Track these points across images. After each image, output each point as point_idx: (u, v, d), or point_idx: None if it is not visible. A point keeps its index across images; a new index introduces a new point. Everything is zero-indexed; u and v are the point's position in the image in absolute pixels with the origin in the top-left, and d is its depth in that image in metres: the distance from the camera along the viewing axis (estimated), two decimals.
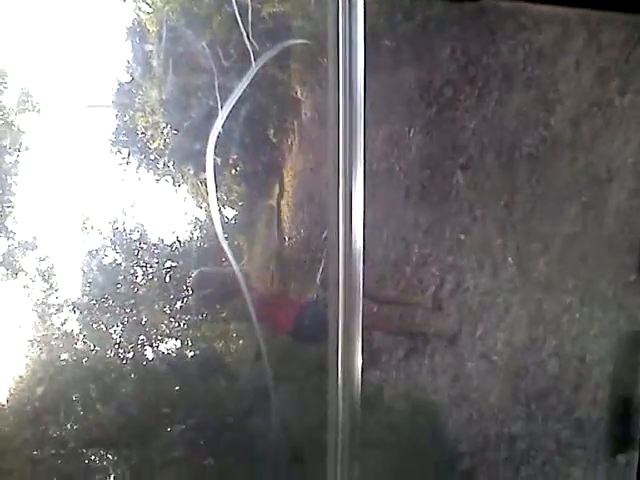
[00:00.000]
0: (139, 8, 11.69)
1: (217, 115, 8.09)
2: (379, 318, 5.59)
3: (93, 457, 7.46)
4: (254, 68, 5.46)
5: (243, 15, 6.23)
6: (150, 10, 11.56)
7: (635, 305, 3.65)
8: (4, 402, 8.59)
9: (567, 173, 4.54)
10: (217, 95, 6.90)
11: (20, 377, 9.29)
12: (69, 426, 7.37)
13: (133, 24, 12.01)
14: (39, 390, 7.53)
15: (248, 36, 5.95)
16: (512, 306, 4.59)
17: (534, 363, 4.18)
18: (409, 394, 5.56)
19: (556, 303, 4.17)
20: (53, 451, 7.11)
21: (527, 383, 4.20)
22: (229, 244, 12.15)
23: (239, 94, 3.64)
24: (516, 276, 4.66)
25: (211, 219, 11.30)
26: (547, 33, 5.07)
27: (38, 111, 13.62)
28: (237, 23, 6.20)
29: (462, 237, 5.43)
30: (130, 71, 12.56)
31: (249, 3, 6.28)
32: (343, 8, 1.24)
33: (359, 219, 1.24)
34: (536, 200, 4.79)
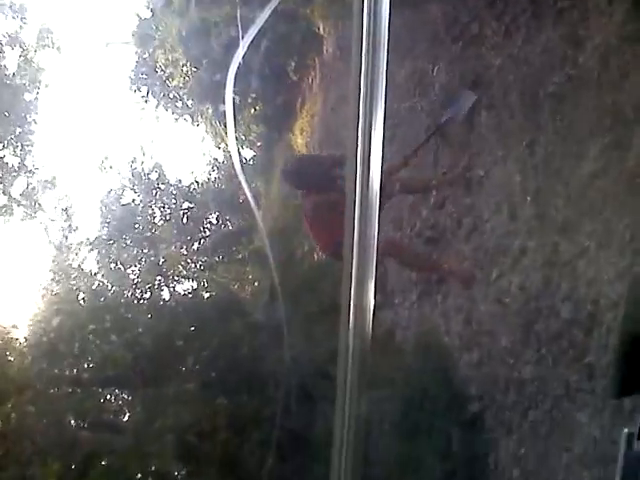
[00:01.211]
0: None
1: (237, 48, 7.93)
2: (397, 247, 5.48)
3: (108, 395, 7.57)
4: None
5: None
6: None
7: None
8: (22, 338, 8.71)
9: (592, 112, 4.34)
10: (239, 26, 6.69)
11: (39, 313, 9.39)
12: (85, 364, 7.46)
13: None
14: (55, 325, 7.60)
15: None
16: (528, 249, 4.46)
17: (547, 307, 4.07)
18: (421, 336, 5.50)
19: (572, 246, 4.03)
20: (69, 389, 7.22)
21: (539, 327, 4.10)
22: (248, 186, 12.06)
23: (260, 24, 3.48)
24: (533, 218, 4.51)
25: (229, 160, 11.18)
26: None
27: (58, 48, 13.49)
28: None
29: (482, 177, 5.27)
30: (150, 6, 12.35)
31: None
32: None
33: (377, 158, 1.16)
34: (559, 140, 4.60)
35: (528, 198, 4.66)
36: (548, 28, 4.95)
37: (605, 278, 3.76)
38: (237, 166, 7.21)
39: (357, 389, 1.29)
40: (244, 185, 5.07)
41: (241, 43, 6.67)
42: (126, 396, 7.34)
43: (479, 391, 4.66)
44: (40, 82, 13.46)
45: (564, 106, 4.62)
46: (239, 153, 11.06)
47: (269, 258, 5.36)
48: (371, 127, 1.17)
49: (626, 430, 1.35)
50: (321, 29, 9.57)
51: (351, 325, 1.24)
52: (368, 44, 1.14)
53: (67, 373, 7.14)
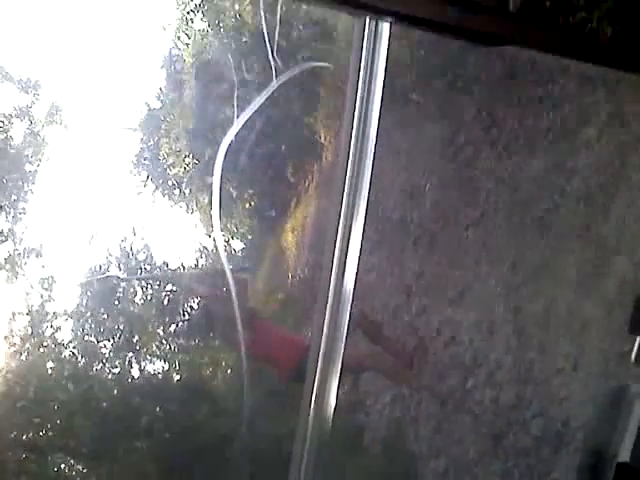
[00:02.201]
0: (178, 38, 11.98)
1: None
2: (373, 358, 5.51)
3: (62, 464, 7.35)
4: (274, 83, 5.55)
5: (270, 33, 6.35)
6: (189, 42, 11.88)
7: (626, 375, 3.60)
8: None
9: (576, 240, 4.55)
10: (234, 105, 6.98)
11: (4, 375, 9.20)
12: (43, 431, 7.29)
13: (170, 53, 12.32)
14: (19, 389, 7.47)
15: (273, 53, 6.05)
16: (504, 364, 4.54)
17: (518, 422, 4.11)
18: (389, 440, 5.46)
19: (548, 365, 4.12)
20: (24, 455, 7.02)
21: (508, 441, 4.13)
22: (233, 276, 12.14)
23: (256, 107, 3.72)
24: (512, 335, 4.62)
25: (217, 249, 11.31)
26: (573, 103, 5.14)
27: (65, 126, 13.82)
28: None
29: (464, 292, 5.42)
30: (161, 97, 12.82)
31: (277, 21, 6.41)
32: (367, 45, 1.28)
33: (353, 265, 1.26)
34: (542, 264, 4.79)
35: (508, 315, 4.79)
36: (539, 157, 5.24)
37: (577, 399, 3.84)
38: (221, 252, 7.34)
39: (312, 467, 1.33)
40: (227, 271, 5.17)
41: (235, 121, 6.94)
42: (81, 467, 7.11)
43: None
44: (43, 155, 13.71)
45: (549, 232, 4.84)
46: (229, 244, 11.22)
47: (241, 347, 5.39)
48: (350, 231, 1.27)
49: None
50: (322, 137, 9.98)
51: (310, 421, 1.30)
52: (355, 154, 1.26)
53: (24, 438, 6.95)
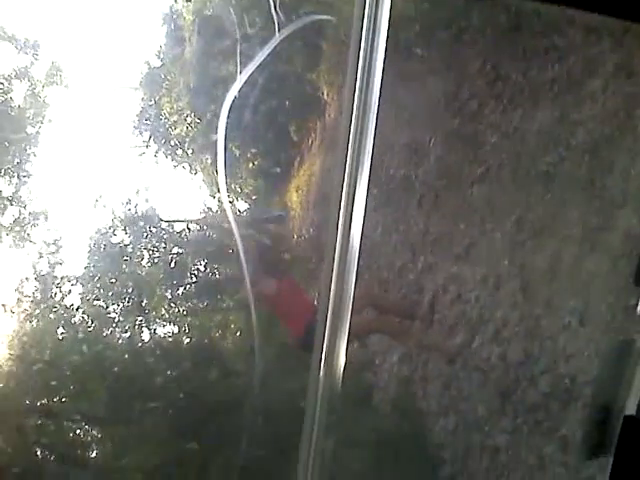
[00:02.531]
0: None
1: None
2: (381, 324, 5.53)
3: (78, 430, 7.47)
4: (277, 37, 5.45)
5: None
6: None
7: (632, 329, 3.61)
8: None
9: (581, 194, 4.51)
10: (237, 61, 6.88)
11: (17, 342, 9.31)
12: (57, 397, 7.39)
13: (170, 10, 12.15)
14: (32, 355, 7.55)
15: (275, 6, 5.94)
16: (510, 321, 4.55)
17: (526, 378, 4.14)
18: (398, 398, 5.52)
19: (554, 321, 4.12)
20: (40, 421, 7.13)
21: (516, 397, 4.16)
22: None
23: (259, 62, 3.64)
24: (518, 292, 4.62)
25: (223, 211, 11.31)
26: (578, 55, 5.05)
27: (66, 86, 13.70)
28: None
29: (469, 249, 5.41)
30: (161, 56, 12.67)
31: None
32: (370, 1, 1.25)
33: (358, 224, 1.24)
34: (547, 219, 4.76)
35: (513, 271, 4.79)
36: (544, 110, 5.17)
37: (585, 354, 3.85)
38: (229, 214, 7.33)
39: (324, 426, 1.34)
40: (235, 234, 5.15)
41: (238, 77, 6.84)
42: (96, 432, 7.23)
43: (452, 456, 4.68)
44: (44, 117, 13.62)
45: (554, 186, 4.79)
46: (233, 204, 11.21)
47: (251, 305, 5.40)
48: (355, 190, 1.25)
49: None
50: (325, 94, 9.86)
51: (322, 364, 1.30)
52: (359, 110, 1.23)
53: (38, 404, 7.05)
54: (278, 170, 11.25)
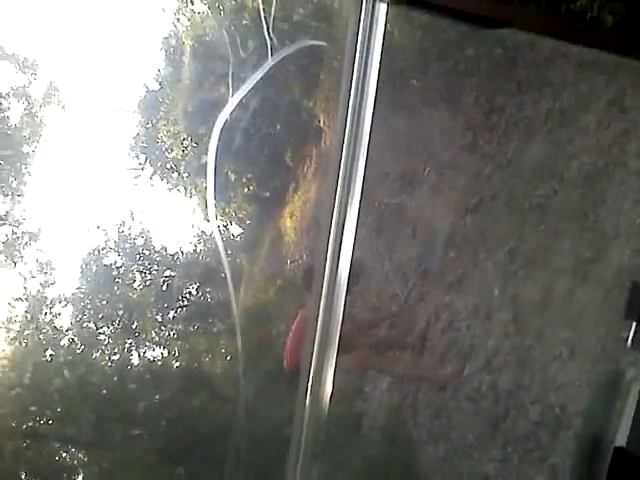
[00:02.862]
0: (177, 20, 11.91)
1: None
2: (371, 358, 5.48)
3: (64, 453, 7.38)
4: (269, 62, 5.50)
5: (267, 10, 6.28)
6: (188, 24, 11.80)
7: (623, 361, 3.62)
8: None
9: (574, 226, 4.55)
10: (230, 84, 6.93)
11: (5, 363, 9.23)
12: (44, 420, 7.30)
13: (169, 35, 12.25)
14: (20, 377, 7.48)
15: (269, 30, 5.99)
16: (501, 350, 4.56)
17: (516, 407, 4.13)
18: (388, 426, 5.49)
19: (546, 351, 4.14)
20: (26, 442, 7.05)
21: (507, 426, 4.15)
22: (231, 261, 12.23)
23: (251, 85, 3.69)
24: (509, 322, 4.63)
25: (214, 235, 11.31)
26: (572, 90, 5.12)
27: (63, 107, 13.75)
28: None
29: (462, 278, 5.43)
30: (159, 79, 12.76)
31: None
32: (365, 19, 1.27)
33: (348, 251, 1.26)
34: (539, 250, 4.79)
35: (505, 302, 4.81)
36: (537, 143, 5.23)
37: (575, 384, 3.86)
38: (217, 236, 7.33)
39: (310, 454, 1.34)
40: (222, 256, 5.15)
41: (230, 100, 6.87)
42: (82, 456, 7.15)
43: None
44: (40, 136, 13.65)
45: (547, 217, 4.83)
46: (227, 229, 11.22)
47: (237, 334, 5.39)
48: (345, 217, 1.27)
49: None
50: (321, 121, 9.93)
51: (309, 391, 1.31)
52: (350, 137, 1.25)
53: (25, 427, 6.97)
54: (268, 194, 11.25)
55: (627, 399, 1.34)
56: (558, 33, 1.40)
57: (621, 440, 1.26)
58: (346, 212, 1.24)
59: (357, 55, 1.26)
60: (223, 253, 5.19)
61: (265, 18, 6.19)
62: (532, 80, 5.58)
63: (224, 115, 4.77)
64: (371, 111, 1.26)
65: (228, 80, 8.21)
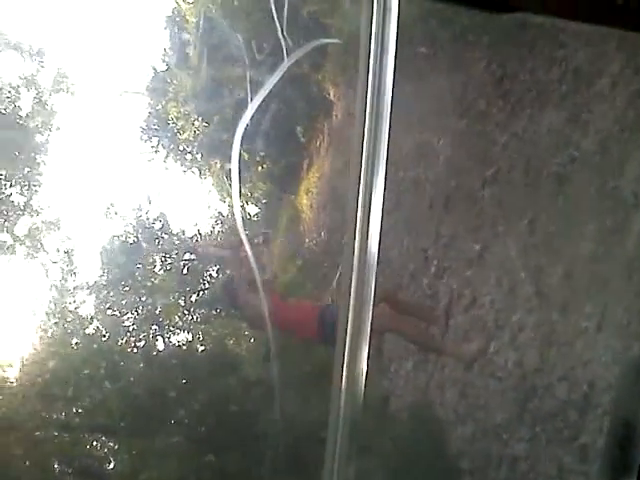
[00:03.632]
0: None
1: (247, 108, 8.11)
2: (397, 322, 5.42)
3: (95, 442, 7.49)
4: (286, 63, 5.42)
5: (279, 10, 6.20)
6: (191, 1, 11.68)
7: None
8: (14, 378, 8.66)
9: (593, 195, 4.45)
10: (248, 88, 6.87)
11: (33, 353, 9.36)
12: (74, 409, 7.41)
13: (173, 13, 12.12)
14: (49, 367, 7.58)
15: (282, 31, 5.91)
16: (526, 326, 4.50)
17: (543, 385, 4.09)
18: (415, 406, 5.49)
19: (571, 326, 4.07)
20: (56, 433, 7.15)
21: (534, 405, 4.12)
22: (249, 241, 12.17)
23: (270, 88, 3.63)
24: (533, 296, 4.57)
25: (233, 214, 11.30)
26: (585, 52, 4.98)
27: (72, 93, 13.74)
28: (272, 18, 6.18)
29: (482, 252, 5.36)
30: (166, 60, 12.67)
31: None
32: (377, 10, 1.23)
33: (376, 226, 1.22)
34: (560, 221, 4.70)
35: (528, 275, 4.73)
36: (552, 110, 5.10)
37: (602, 360, 3.80)
38: (239, 223, 7.32)
39: (346, 455, 1.32)
40: (245, 242, 5.14)
41: (249, 105, 6.81)
42: (113, 444, 7.25)
43: (471, 466, 4.64)
44: (52, 125, 13.67)
45: (566, 187, 4.73)
46: (244, 209, 11.21)
47: (265, 316, 5.36)
48: (371, 193, 1.23)
49: None
50: (331, 95, 9.82)
51: (343, 392, 1.29)
52: (372, 112, 1.21)
53: (55, 417, 7.08)
54: (282, 172, 11.20)
55: None
56: (573, 15, 1.32)
57: None
58: (372, 189, 1.22)
59: (373, 32, 1.23)
60: (244, 235, 5.15)
61: (278, 18, 6.09)
62: (543, 43, 5.43)
63: (245, 120, 4.72)
64: (391, 84, 1.22)
65: (233, 59, 8.13)
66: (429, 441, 5.03)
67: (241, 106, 9.36)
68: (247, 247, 5.06)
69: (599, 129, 4.62)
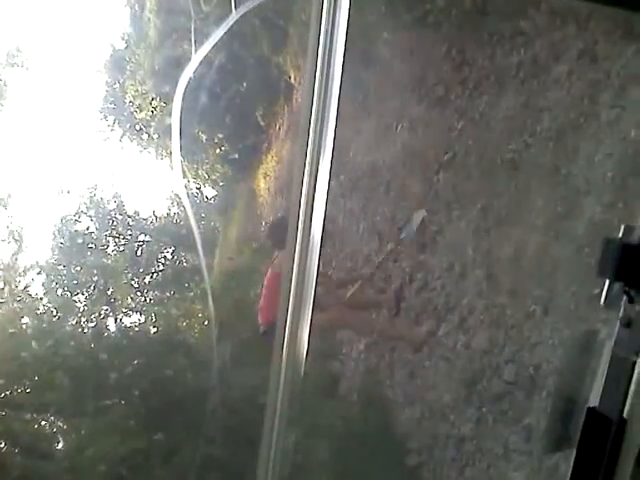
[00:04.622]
0: None
1: (206, 87, 7.99)
2: (348, 319, 5.42)
3: (43, 421, 7.35)
4: (234, 15, 5.32)
5: None
6: None
7: (595, 319, 3.60)
8: None
9: (546, 181, 4.49)
10: (192, 39, 6.72)
11: None
12: (22, 389, 7.25)
13: None
14: None
15: None
16: (476, 309, 4.53)
17: (491, 367, 4.13)
18: (365, 387, 5.50)
19: (519, 309, 4.11)
20: (4, 412, 7.00)
21: (481, 386, 4.15)
22: (206, 224, 12.12)
23: (214, 41, 3.56)
24: (483, 279, 4.60)
25: (191, 197, 11.18)
26: (544, 40, 5.01)
27: (27, 68, 13.41)
28: None
29: (435, 236, 5.38)
30: (125, 38, 12.45)
31: None
32: None
33: (320, 210, 1.19)
34: (512, 206, 4.73)
35: (479, 259, 4.77)
36: (510, 96, 5.13)
37: (549, 343, 3.84)
38: (184, 198, 7.22)
39: (286, 416, 1.31)
40: (191, 220, 5.06)
41: (193, 57, 6.67)
42: (61, 424, 7.12)
43: (418, 445, 4.67)
44: (5, 99, 13.32)
45: (520, 173, 4.77)
46: (200, 191, 11.09)
47: (208, 296, 5.31)
48: (316, 177, 1.21)
49: None
50: (292, 78, 9.73)
51: (284, 354, 1.27)
52: (320, 94, 1.18)
53: (3, 395, 6.92)
54: (236, 156, 11.10)
55: (600, 359, 1.29)
56: None
57: (594, 400, 1.21)
58: (318, 168, 1.19)
59: (324, 6, 1.20)
60: (192, 215, 5.08)
61: None
62: (503, 30, 5.45)
63: (188, 73, 4.61)
64: (340, 65, 1.19)
65: (188, 35, 7.97)
66: (378, 421, 5.04)
67: (199, 86, 9.21)
68: (193, 224, 4.98)
69: (554, 116, 4.66)
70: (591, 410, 1.23)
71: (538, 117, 4.76)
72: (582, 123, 4.43)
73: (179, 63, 9.61)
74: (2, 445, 6.82)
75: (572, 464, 1.24)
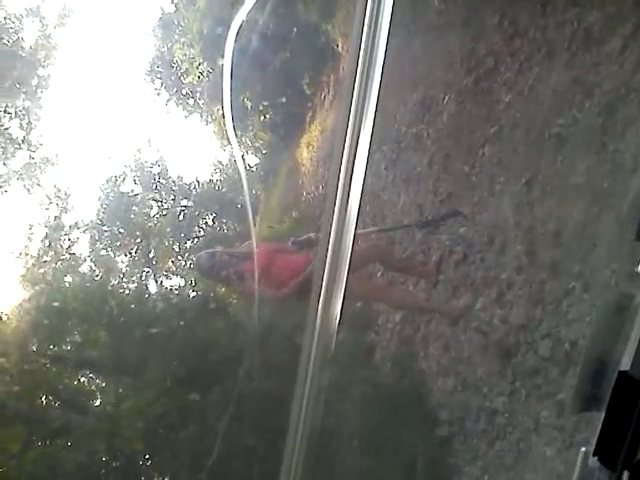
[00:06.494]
0: None
1: (254, 56, 7.98)
2: (381, 290, 5.42)
3: (82, 378, 7.55)
4: None
5: None
6: None
7: (631, 286, 3.55)
8: (6, 310, 8.70)
9: (592, 157, 4.40)
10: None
11: (25, 288, 9.38)
12: (64, 345, 7.45)
13: None
14: (40, 302, 7.59)
15: None
16: (514, 284, 4.50)
17: (526, 342, 4.10)
18: (399, 357, 5.52)
19: (558, 285, 4.07)
20: (45, 366, 7.19)
21: (516, 361, 4.14)
22: (248, 191, 12.13)
23: None
24: (523, 254, 4.56)
25: (233, 164, 11.22)
26: (598, 13, 4.88)
27: (77, 29, 13.55)
28: None
29: (477, 210, 5.33)
30: (175, 1, 12.46)
31: None
32: None
33: (359, 181, 1.20)
34: (557, 181, 4.66)
35: (519, 234, 4.72)
36: (560, 70, 5.03)
37: (587, 320, 3.80)
38: (241, 169, 7.26)
39: (317, 382, 1.33)
40: (245, 189, 5.08)
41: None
42: (100, 381, 7.32)
43: (450, 416, 4.69)
44: (55, 59, 13.49)
45: (566, 148, 4.69)
46: (243, 158, 11.12)
47: (254, 264, 5.31)
48: (356, 146, 1.21)
49: (583, 449, 1.39)
50: (340, 46, 9.64)
51: (318, 320, 1.29)
52: (364, 62, 1.18)
53: (45, 350, 7.13)
54: (284, 100, 10.80)
55: (635, 323, 1.29)
56: None
57: (626, 364, 1.22)
58: (358, 139, 1.20)
59: None
60: (245, 183, 5.11)
61: None
62: (557, 1, 5.33)
63: (241, 16, 4.60)
64: (386, 33, 1.19)
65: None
66: (410, 391, 5.07)
67: (247, 53, 9.20)
68: (246, 191, 5.01)
69: (605, 91, 4.55)
70: (622, 373, 1.23)
71: (588, 92, 4.66)
72: (633, 99, 4.32)
73: (227, 28, 9.61)
74: (43, 398, 7.04)
75: (600, 426, 1.25)
